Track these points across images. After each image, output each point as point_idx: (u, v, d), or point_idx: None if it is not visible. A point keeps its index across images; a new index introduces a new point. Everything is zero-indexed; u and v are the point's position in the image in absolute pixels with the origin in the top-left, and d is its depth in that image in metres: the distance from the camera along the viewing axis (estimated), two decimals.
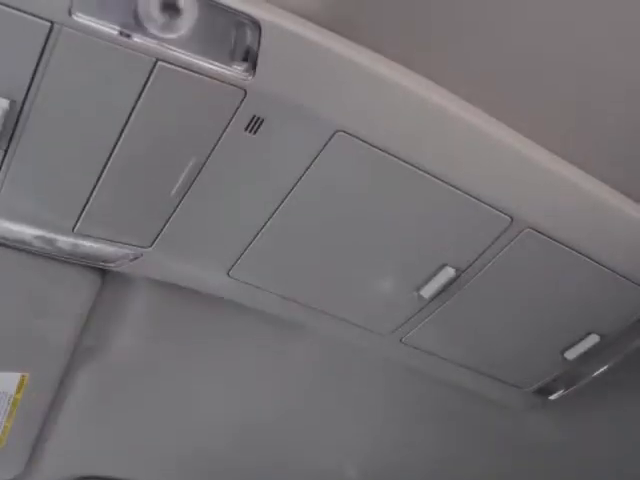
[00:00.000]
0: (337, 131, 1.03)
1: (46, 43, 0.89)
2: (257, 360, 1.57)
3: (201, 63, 0.93)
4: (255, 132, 1.03)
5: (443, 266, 1.23)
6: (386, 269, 1.27)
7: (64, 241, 1.17)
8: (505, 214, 1.14)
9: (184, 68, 0.93)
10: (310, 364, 1.60)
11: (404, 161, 1.07)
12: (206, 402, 1.60)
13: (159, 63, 0.92)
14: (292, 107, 1.00)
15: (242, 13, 0.91)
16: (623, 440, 1.75)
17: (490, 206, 1.13)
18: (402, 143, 1.05)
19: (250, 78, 0.95)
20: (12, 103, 0.94)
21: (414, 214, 1.16)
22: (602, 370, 1.49)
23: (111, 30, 0.89)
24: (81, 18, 0.87)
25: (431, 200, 1.13)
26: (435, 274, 1.24)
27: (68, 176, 1.07)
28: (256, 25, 0.91)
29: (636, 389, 1.58)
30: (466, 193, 1.11)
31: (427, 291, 1.26)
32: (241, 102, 0.98)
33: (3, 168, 1.04)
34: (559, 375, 1.50)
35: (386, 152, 1.05)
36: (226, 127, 1.02)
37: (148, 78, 0.94)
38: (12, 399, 1.37)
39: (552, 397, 1.57)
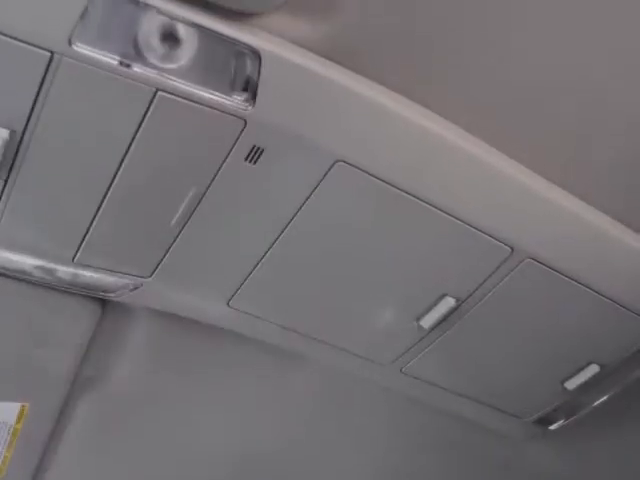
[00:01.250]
0: (337, 161, 1.01)
1: (46, 73, 0.87)
2: (257, 390, 1.55)
3: (201, 93, 0.91)
4: (255, 162, 1.01)
5: (443, 296, 1.21)
6: (386, 299, 1.25)
7: (64, 271, 1.15)
8: (505, 244, 1.12)
9: (184, 98, 0.91)
10: (310, 394, 1.58)
11: (404, 191, 1.05)
12: (206, 432, 1.57)
13: (159, 93, 0.91)
14: (292, 137, 0.98)
15: (242, 43, 0.89)
16: (623, 470, 1.71)
17: (490, 236, 1.11)
18: (402, 173, 1.04)
19: (250, 108, 0.93)
20: (12, 133, 0.92)
21: (414, 244, 1.13)
22: (602, 400, 1.47)
23: (111, 60, 0.87)
24: (81, 48, 0.85)
25: (431, 230, 1.11)
26: (435, 304, 1.22)
27: (68, 206, 1.05)
28: (256, 55, 0.90)
29: (636, 419, 1.55)
30: (466, 223, 1.09)
31: (427, 321, 1.24)
32: (241, 132, 0.96)
33: (3, 198, 1.02)
34: (559, 405, 1.47)
35: (386, 182, 1.04)
36: (226, 157, 1.00)
37: (148, 108, 0.92)
38: (12, 429, 1.35)
39: (552, 427, 1.55)
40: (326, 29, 0.91)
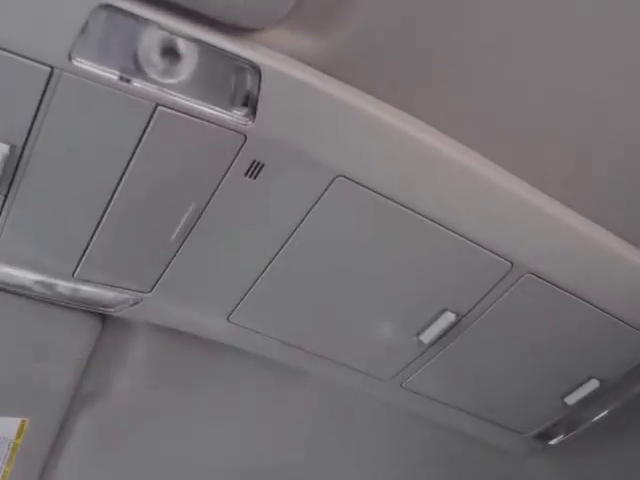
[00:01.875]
0: (337, 176, 1.00)
1: (46, 88, 0.86)
2: (257, 405, 1.54)
3: (201, 108, 0.91)
4: (255, 177, 1.00)
5: (443, 311, 1.20)
6: (386, 314, 1.23)
7: (64, 286, 1.14)
8: (505, 259, 1.11)
9: (184, 113, 0.91)
10: (310, 409, 1.57)
11: (404, 206, 1.04)
12: (206, 447, 1.56)
13: (159, 108, 0.90)
14: (292, 152, 0.97)
15: (242, 58, 0.88)
16: None
17: (490, 251, 1.10)
18: (402, 188, 1.03)
19: (250, 123, 0.92)
20: (12, 148, 0.92)
21: (414, 259, 1.12)
22: (602, 415, 1.46)
23: (111, 75, 0.86)
24: (81, 63, 0.84)
25: (431, 245, 1.10)
26: (435, 319, 1.21)
27: (68, 221, 1.04)
28: (256, 70, 0.89)
29: (637, 434, 1.54)
30: (466, 238, 1.08)
31: (427, 336, 1.23)
32: (241, 147, 0.95)
33: (3, 213, 1.01)
34: (559, 420, 1.46)
35: (386, 197, 1.03)
36: (226, 172, 0.99)
37: (148, 123, 0.91)
38: (12, 444, 1.33)
39: (552, 442, 1.53)
40: (326, 44, 0.90)
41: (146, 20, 0.84)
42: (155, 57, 0.87)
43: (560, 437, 1.52)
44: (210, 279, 1.16)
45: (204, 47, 0.87)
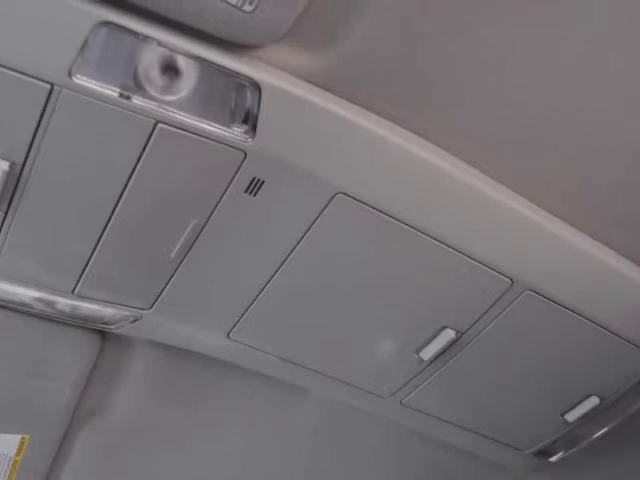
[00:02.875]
0: (337, 193, 0.99)
1: (46, 105, 0.85)
2: (257, 422, 1.52)
3: (201, 125, 0.90)
4: (255, 194, 0.99)
5: (443, 328, 1.18)
6: (386, 331, 1.22)
7: (64, 303, 1.13)
8: (505, 276, 1.09)
9: (184, 130, 0.90)
10: (310, 426, 1.55)
11: (404, 223, 1.03)
12: (206, 464, 1.54)
13: (159, 125, 0.89)
14: (292, 169, 0.96)
15: (242, 75, 0.87)
16: None
17: (490, 268, 1.08)
18: (402, 205, 1.02)
19: (250, 140, 0.91)
20: (12, 165, 0.91)
21: (415, 276, 1.11)
22: (602, 432, 1.44)
23: (111, 92, 0.85)
24: (81, 80, 0.83)
25: (431, 262, 1.08)
26: (435, 336, 1.19)
27: (68, 238, 1.03)
28: (256, 87, 0.88)
29: (637, 451, 1.53)
30: (466, 255, 1.07)
31: (427, 353, 1.21)
32: (241, 164, 0.94)
33: (3, 229, 1.00)
34: (559, 437, 1.44)
35: (386, 214, 1.02)
36: (226, 189, 0.98)
37: (148, 140, 0.90)
38: (12, 461, 1.32)
39: (552, 459, 1.51)
40: (325, 61, 0.89)
41: (146, 37, 0.83)
42: (155, 74, 0.86)
43: (560, 454, 1.50)
44: (210, 296, 1.15)
45: (204, 64, 0.86)
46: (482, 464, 1.54)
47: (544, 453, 1.50)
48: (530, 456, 1.50)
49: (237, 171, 0.95)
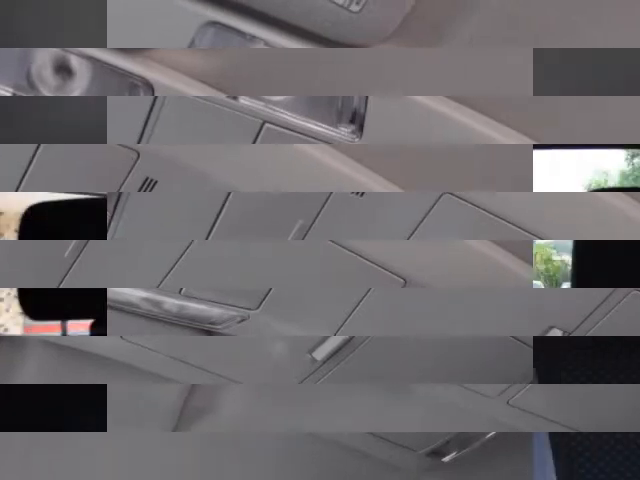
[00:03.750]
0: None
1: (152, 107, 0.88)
2: None
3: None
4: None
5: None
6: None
7: (171, 303, 1.13)
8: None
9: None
10: None
11: None
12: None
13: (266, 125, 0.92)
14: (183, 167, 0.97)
15: (135, 75, 0.87)
16: None
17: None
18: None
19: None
20: None
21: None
22: (493, 434, 1.47)
23: (4, 92, 0.85)
24: None
25: None
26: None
27: None
28: (149, 87, 0.88)
29: (523, 452, 1.56)
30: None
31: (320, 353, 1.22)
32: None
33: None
34: (452, 437, 1.47)
35: None
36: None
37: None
38: None
39: (445, 459, 1.54)
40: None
41: (253, 37, 0.85)
42: (48, 74, 0.86)
43: (453, 454, 1.52)
44: (316, 294, 1.16)
45: (96, 64, 0.86)
46: (374, 463, 1.56)
47: (437, 453, 1.52)
48: (423, 456, 1.52)
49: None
